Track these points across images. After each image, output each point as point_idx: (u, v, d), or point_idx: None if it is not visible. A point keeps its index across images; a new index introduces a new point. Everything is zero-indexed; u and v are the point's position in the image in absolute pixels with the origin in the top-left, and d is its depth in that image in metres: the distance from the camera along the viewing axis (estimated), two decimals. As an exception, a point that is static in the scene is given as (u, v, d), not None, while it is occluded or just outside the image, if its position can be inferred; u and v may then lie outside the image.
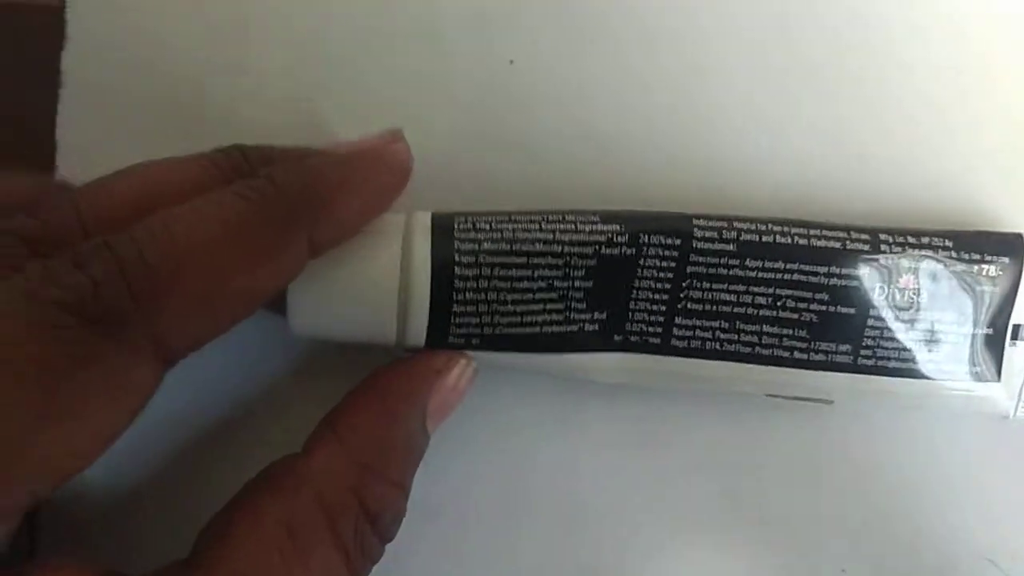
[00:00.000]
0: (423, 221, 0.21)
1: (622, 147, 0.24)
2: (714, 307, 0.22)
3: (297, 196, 0.19)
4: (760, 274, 0.22)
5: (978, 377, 0.23)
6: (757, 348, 0.22)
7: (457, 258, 0.21)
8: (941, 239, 0.22)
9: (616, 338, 0.22)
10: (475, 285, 0.21)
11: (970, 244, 0.23)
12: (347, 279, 0.21)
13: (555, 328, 0.21)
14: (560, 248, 0.21)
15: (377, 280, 0.21)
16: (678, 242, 0.21)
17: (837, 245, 0.22)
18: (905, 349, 0.22)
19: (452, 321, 0.21)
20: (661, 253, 0.21)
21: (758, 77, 0.24)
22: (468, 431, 0.24)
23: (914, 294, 0.22)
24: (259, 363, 0.24)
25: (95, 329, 0.16)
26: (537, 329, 0.21)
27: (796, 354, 0.22)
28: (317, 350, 0.24)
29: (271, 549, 0.18)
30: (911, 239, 0.22)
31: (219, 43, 0.24)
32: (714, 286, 0.22)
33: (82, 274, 0.16)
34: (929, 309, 0.22)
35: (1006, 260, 0.22)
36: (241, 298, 0.18)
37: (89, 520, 0.23)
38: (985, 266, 0.22)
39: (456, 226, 0.21)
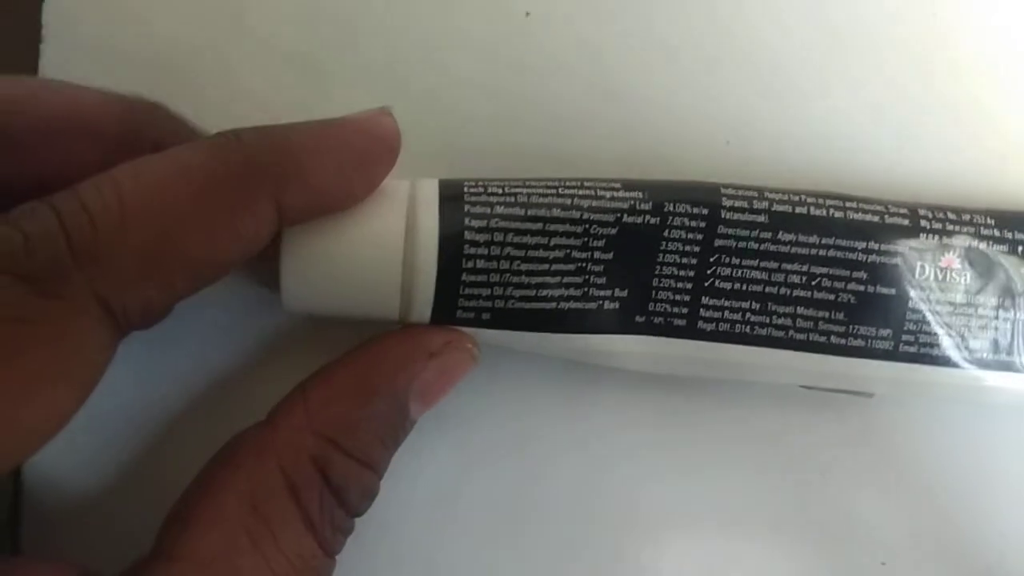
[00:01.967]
0: (430, 186, 0.19)
1: (644, 108, 0.23)
2: (744, 286, 0.20)
3: (264, 155, 0.17)
4: (793, 249, 0.20)
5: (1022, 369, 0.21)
6: (791, 332, 0.20)
7: (467, 222, 0.19)
8: (983, 216, 0.21)
9: (638, 319, 0.20)
10: (486, 252, 0.19)
11: (1013, 223, 0.21)
12: (346, 249, 0.19)
13: (572, 305, 0.20)
14: (579, 215, 0.19)
15: (379, 250, 0.19)
16: (705, 212, 0.20)
17: (875, 219, 0.20)
18: (949, 336, 0.21)
19: (461, 292, 0.19)
20: (687, 224, 0.20)
21: (792, 38, 0.23)
22: (475, 415, 0.22)
23: (957, 275, 0.21)
24: (242, 338, 0.22)
25: (32, 288, 0.15)
26: (553, 305, 0.19)
27: (833, 339, 0.20)
28: (306, 325, 0.22)
29: (237, 529, 0.17)
30: (951, 215, 0.21)
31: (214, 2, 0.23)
32: (744, 262, 0.20)
33: (11, 228, 0.15)
34: (973, 292, 0.21)
35: (1051, 241, 0.21)
36: (198, 261, 0.16)
37: (71, 517, 0.22)
38: (1030, 247, 0.21)
39: (466, 191, 0.19)
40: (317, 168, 0.17)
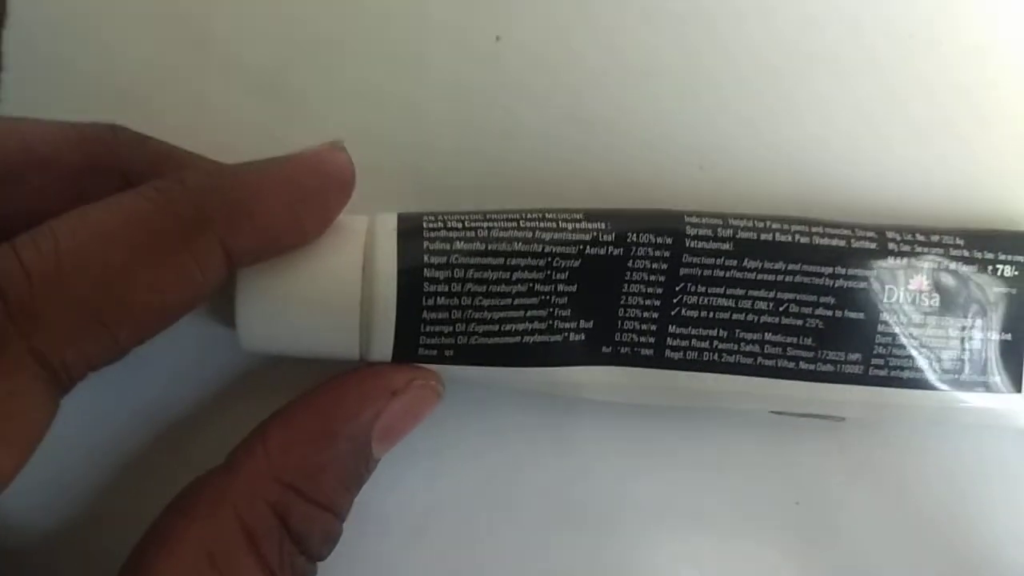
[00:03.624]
0: (388, 221, 0.19)
1: (616, 134, 0.22)
2: (711, 314, 0.20)
3: (208, 198, 0.17)
4: (760, 276, 0.20)
5: (996, 388, 0.21)
6: (759, 359, 0.20)
7: (427, 259, 0.19)
8: (952, 237, 0.21)
9: (604, 350, 0.20)
10: (447, 289, 0.19)
11: (983, 243, 0.21)
12: (302, 287, 0.18)
13: (537, 338, 0.19)
14: (541, 248, 0.19)
15: (337, 288, 0.18)
16: (669, 241, 0.19)
17: (842, 244, 0.20)
18: (919, 358, 0.20)
19: (422, 330, 0.19)
20: (651, 253, 0.19)
21: (761, 63, 0.23)
22: (451, 446, 0.22)
23: (926, 296, 0.20)
24: (203, 376, 0.22)
25: None
26: (517, 339, 0.19)
27: (802, 364, 0.20)
28: (269, 362, 0.21)
29: None
30: (920, 237, 0.21)
31: (182, 21, 0.22)
32: (710, 290, 0.20)
33: None
34: (942, 314, 0.21)
35: (1021, 259, 0.21)
36: (143, 312, 0.16)
37: (28, 560, 0.21)
38: (1000, 266, 0.21)
39: (425, 226, 0.19)
40: (265, 209, 0.17)
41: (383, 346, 0.19)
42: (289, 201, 0.17)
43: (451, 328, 0.19)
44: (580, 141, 0.22)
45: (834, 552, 0.23)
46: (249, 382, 0.22)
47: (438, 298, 0.19)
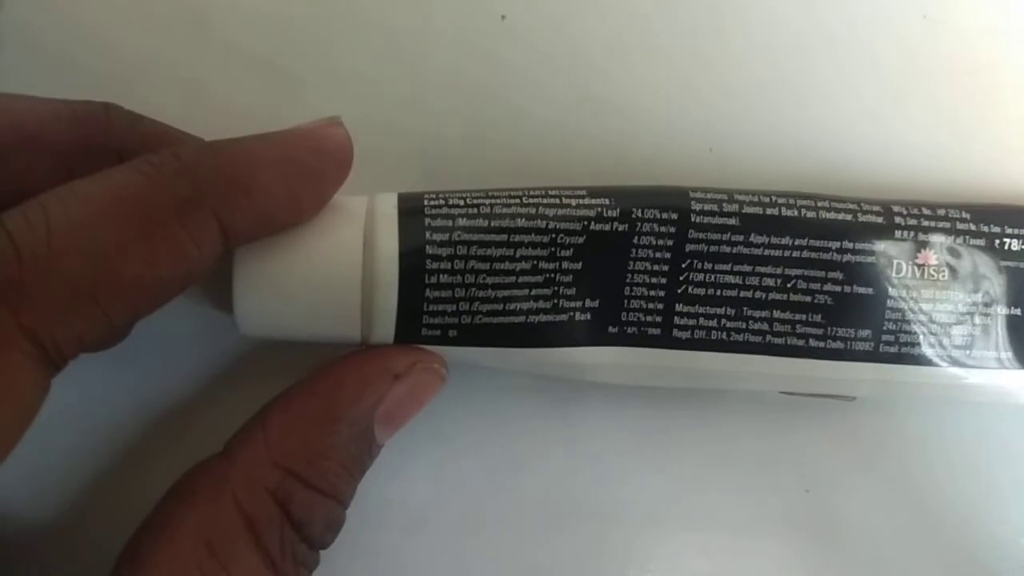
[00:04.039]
0: (388, 201, 0.19)
1: (625, 114, 0.22)
2: (718, 291, 0.20)
3: (204, 173, 0.16)
4: (767, 251, 0.19)
5: (1008, 364, 0.21)
6: (768, 337, 0.20)
7: (429, 236, 0.18)
8: (958, 211, 0.21)
9: (611, 330, 0.19)
10: (450, 266, 0.18)
11: (988, 217, 0.21)
12: (301, 268, 0.18)
13: (542, 318, 0.19)
14: (545, 224, 0.19)
15: (337, 269, 0.18)
16: (675, 216, 0.19)
17: (848, 218, 0.20)
18: (930, 334, 0.20)
19: (425, 309, 0.18)
20: (656, 229, 0.19)
21: (770, 45, 0.22)
22: (455, 435, 0.22)
23: (934, 271, 0.20)
24: (201, 362, 0.21)
25: None
26: (522, 319, 0.19)
27: (812, 342, 0.20)
28: (268, 347, 0.21)
29: (191, 569, 0.16)
30: (926, 211, 0.20)
31: (180, 3, 0.22)
32: (717, 266, 0.19)
33: None
34: (951, 288, 0.20)
35: (1028, 233, 0.21)
36: (136, 289, 0.16)
37: (24, 548, 0.21)
38: (1007, 240, 0.21)
39: (426, 204, 0.19)
40: (261, 185, 0.17)
41: (385, 326, 0.18)
42: (286, 177, 0.17)
43: (454, 307, 0.18)
44: (588, 123, 0.22)
45: (844, 540, 0.22)
46: (248, 368, 0.21)
47: (441, 275, 0.18)
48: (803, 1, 0.23)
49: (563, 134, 0.22)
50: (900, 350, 0.20)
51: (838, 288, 0.20)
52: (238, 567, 0.17)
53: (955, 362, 0.20)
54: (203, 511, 0.17)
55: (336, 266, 0.18)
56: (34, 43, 0.21)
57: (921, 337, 0.20)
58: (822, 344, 0.20)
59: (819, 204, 0.20)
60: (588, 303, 0.19)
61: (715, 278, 0.19)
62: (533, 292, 0.19)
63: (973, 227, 0.20)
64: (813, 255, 0.20)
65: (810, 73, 0.23)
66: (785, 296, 0.20)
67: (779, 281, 0.20)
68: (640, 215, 0.19)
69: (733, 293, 0.20)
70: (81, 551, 0.21)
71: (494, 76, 0.22)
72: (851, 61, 0.23)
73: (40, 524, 0.21)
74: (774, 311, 0.20)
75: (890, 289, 0.20)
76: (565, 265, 0.19)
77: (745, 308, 0.20)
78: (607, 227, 0.19)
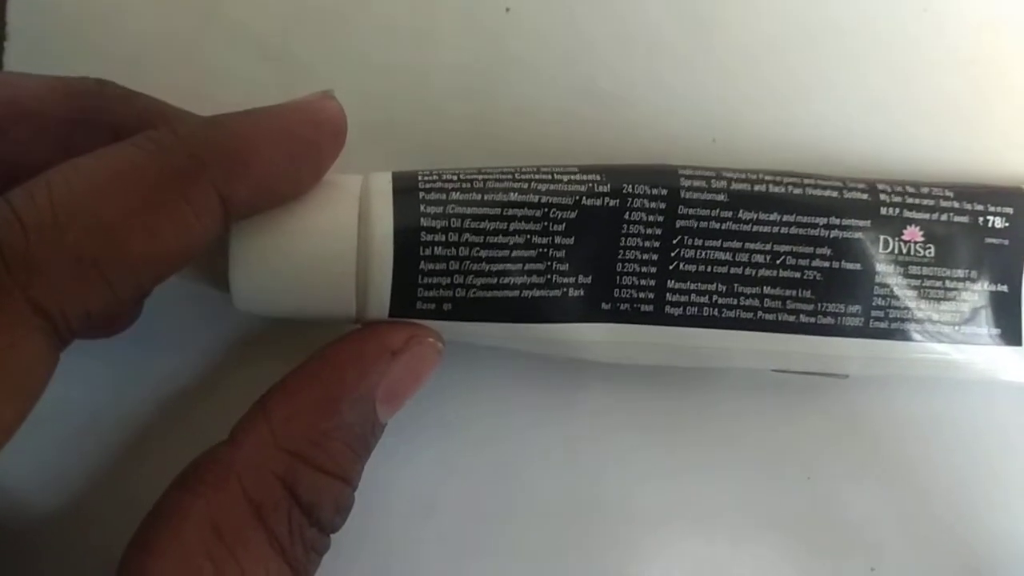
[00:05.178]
0: (383, 178, 0.19)
1: (629, 105, 0.22)
2: (709, 268, 0.20)
3: (202, 146, 0.17)
4: (755, 227, 0.20)
5: (995, 341, 0.21)
6: (760, 313, 0.20)
7: (423, 208, 0.18)
8: (941, 189, 0.21)
9: (604, 306, 0.20)
10: (444, 239, 0.18)
11: (972, 195, 0.21)
12: (297, 244, 0.18)
13: (536, 292, 0.19)
14: (537, 199, 0.19)
15: (331, 243, 0.18)
16: (664, 192, 0.19)
17: (834, 195, 0.20)
18: (918, 310, 0.20)
19: (420, 282, 0.18)
20: (647, 205, 0.19)
21: (772, 37, 0.23)
22: (453, 421, 0.22)
23: (921, 247, 0.21)
24: (200, 352, 0.21)
25: None
26: (516, 293, 0.19)
27: (803, 318, 0.20)
28: (267, 334, 0.21)
29: (199, 558, 0.16)
30: (910, 189, 0.21)
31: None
32: (707, 242, 0.20)
33: None
34: (938, 264, 0.21)
35: (1010, 211, 0.21)
36: (140, 262, 0.16)
37: (30, 537, 0.21)
38: (990, 218, 0.21)
39: (420, 180, 0.19)
40: (259, 157, 0.17)
41: (380, 299, 0.18)
42: (284, 149, 0.17)
43: (449, 280, 0.19)
44: (591, 114, 0.22)
45: (843, 528, 0.22)
46: (250, 354, 0.21)
47: (435, 248, 0.18)
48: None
49: (565, 124, 0.22)
50: (890, 325, 0.20)
51: (826, 264, 0.20)
52: (246, 552, 0.17)
53: (944, 338, 0.21)
54: (210, 498, 0.17)
55: (331, 240, 0.18)
56: (43, 27, 0.22)
57: (910, 313, 0.20)
58: (813, 320, 0.20)
59: (805, 181, 0.20)
60: (581, 279, 0.19)
61: (706, 254, 0.20)
62: (527, 267, 0.19)
63: (957, 205, 0.21)
64: (801, 231, 0.20)
65: (812, 64, 0.23)
66: (775, 272, 0.20)
67: (768, 257, 0.20)
68: (631, 191, 0.19)
69: (724, 269, 0.20)
70: (88, 540, 0.20)
71: (497, 67, 0.22)
72: (854, 52, 0.23)
73: (47, 514, 0.21)
74: (764, 287, 0.20)
75: (878, 265, 0.20)
76: (558, 240, 0.19)
77: (736, 284, 0.20)
78: (598, 202, 0.19)
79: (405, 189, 0.19)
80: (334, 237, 0.18)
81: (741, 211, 0.20)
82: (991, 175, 0.23)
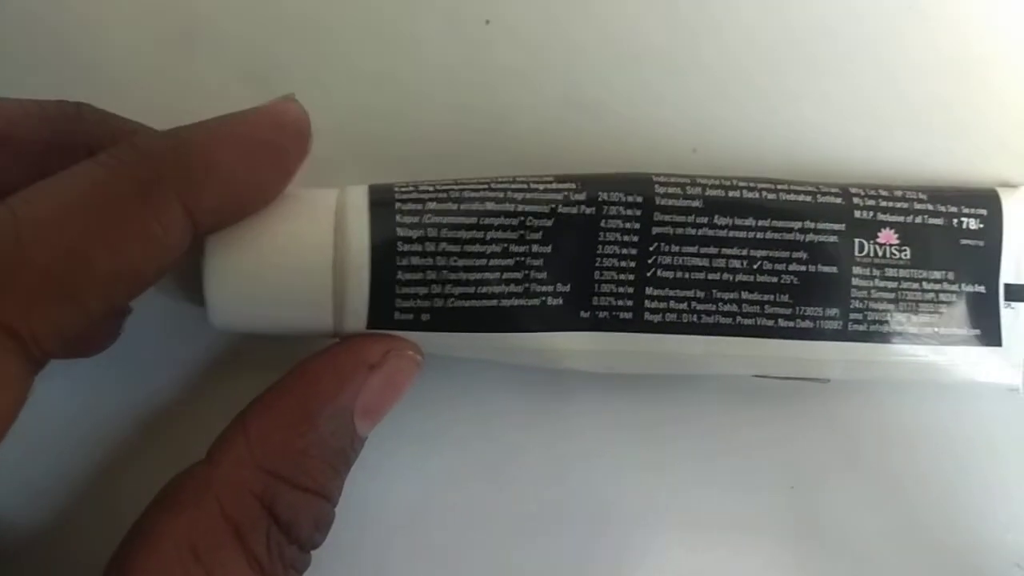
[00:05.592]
0: (359, 191, 0.19)
1: (609, 116, 0.22)
2: (686, 274, 0.20)
3: (164, 158, 0.17)
4: (731, 233, 0.20)
5: (976, 341, 0.21)
6: (738, 318, 0.20)
7: (399, 219, 0.18)
8: (915, 192, 0.21)
9: (583, 315, 0.20)
10: (420, 249, 0.18)
11: (945, 198, 0.21)
12: (273, 260, 0.18)
13: (514, 302, 0.19)
14: (513, 207, 0.19)
15: (307, 256, 0.18)
16: (640, 199, 0.20)
17: (808, 199, 0.20)
18: (896, 312, 0.21)
19: (397, 292, 0.18)
20: (623, 212, 0.20)
21: (754, 45, 0.23)
22: (442, 433, 0.21)
23: (896, 250, 0.21)
24: (179, 366, 0.21)
25: None
26: (495, 303, 0.19)
27: (781, 322, 0.20)
28: (245, 341, 0.21)
29: None
30: (884, 192, 0.21)
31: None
32: (684, 249, 0.20)
33: None
34: (914, 266, 0.21)
35: (984, 212, 0.21)
36: (108, 278, 0.16)
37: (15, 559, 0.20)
38: (965, 219, 0.21)
39: (396, 191, 0.19)
40: (221, 163, 0.17)
41: (357, 310, 0.18)
42: (246, 153, 0.17)
43: (427, 290, 0.19)
44: (572, 125, 0.22)
45: (828, 535, 0.22)
46: (229, 370, 0.21)
47: (412, 258, 0.18)
48: (788, 3, 0.23)
49: (545, 137, 0.22)
50: (869, 328, 0.20)
51: (803, 268, 0.20)
52: (224, 572, 0.16)
53: (923, 340, 0.21)
54: (187, 518, 0.17)
55: (307, 253, 0.18)
56: (24, 45, 0.22)
57: (888, 315, 0.20)
58: (791, 324, 0.20)
59: (779, 187, 0.21)
60: (559, 287, 0.19)
61: (683, 260, 0.20)
62: (504, 276, 0.19)
63: (931, 207, 0.21)
64: (776, 236, 0.20)
65: (794, 73, 0.23)
66: (752, 277, 0.20)
67: (745, 263, 0.20)
68: (607, 198, 0.19)
69: (701, 275, 0.20)
70: (67, 558, 0.20)
71: (478, 81, 0.22)
72: (837, 61, 0.23)
73: (25, 534, 0.20)
74: (742, 292, 0.20)
75: (854, 268, 0.20)
76: (535, 248, 0.19)
77: (714, 290, 0.20)
78: (574, 210, 0.19)
79: (381, 201, 0.19)
80: (310, 250, 0.18)
81: (716, 217, 0.20)
82: (972, 178, 0.23)
